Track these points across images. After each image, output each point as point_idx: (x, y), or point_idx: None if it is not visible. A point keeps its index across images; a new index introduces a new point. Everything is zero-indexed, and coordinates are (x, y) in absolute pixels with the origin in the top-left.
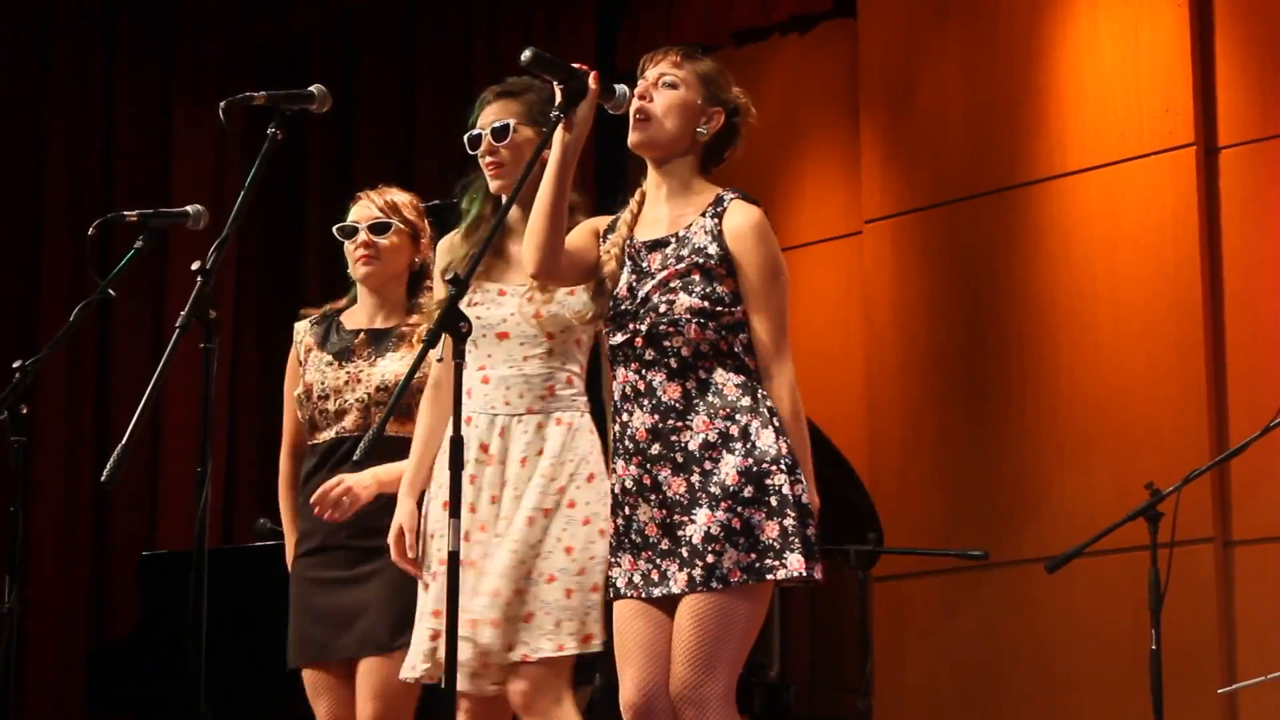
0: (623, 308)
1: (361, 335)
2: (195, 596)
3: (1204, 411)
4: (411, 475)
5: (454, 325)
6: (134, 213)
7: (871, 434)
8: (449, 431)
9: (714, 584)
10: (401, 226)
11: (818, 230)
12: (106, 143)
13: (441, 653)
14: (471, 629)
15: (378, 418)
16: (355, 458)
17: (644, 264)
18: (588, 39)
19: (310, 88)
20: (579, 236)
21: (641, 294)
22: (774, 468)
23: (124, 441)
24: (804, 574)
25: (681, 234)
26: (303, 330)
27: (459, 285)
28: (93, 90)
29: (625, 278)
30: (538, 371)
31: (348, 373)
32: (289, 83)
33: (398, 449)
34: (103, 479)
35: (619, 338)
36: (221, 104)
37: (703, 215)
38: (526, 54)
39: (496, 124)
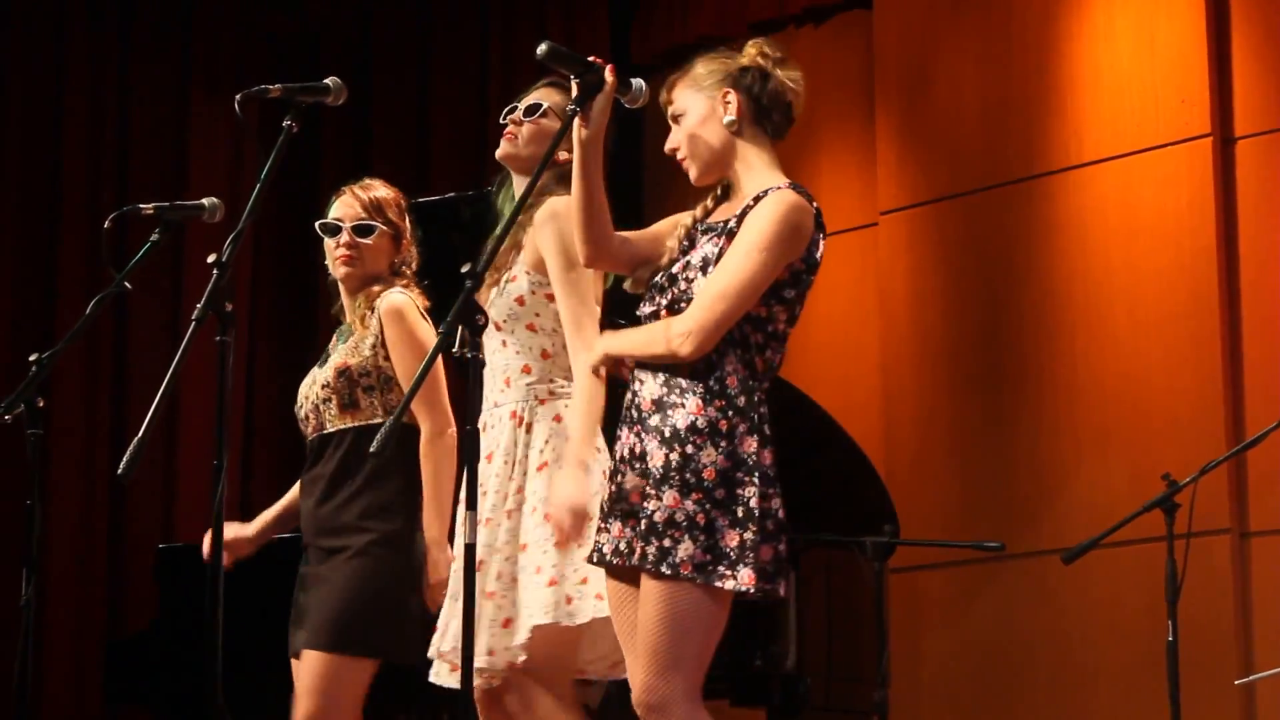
0: (655, 279)
1: (334, 337)
2: (212, 589)
3: (1220, 402)
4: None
5: (470, 318)
6: (150, 206)
7: (887, 425)
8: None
9: (664, 569)
10: (385, 228)
11: (833, 222)
12: (123, 136)
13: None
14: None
15: (326, 414)
16: (373, 450)
17: (693, 244)
18: (602, 32)
19: (325, 80)
20: (661, 224)
21: (673, 270)
22: (748, 478)
23: (140, 434)
24: (750, 590)
25: (733, 220)
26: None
27: (474, 278)
28: (109, 84)
29: (675, 255)
30: (496, 364)
31: (312, 377)
32: (304, 76)
33: (342, 442)
34: (119, 472)
35: (647, 308)
36: (237, 97)
37: (753, 201)
38: (542, 48)
39: (531, 102)
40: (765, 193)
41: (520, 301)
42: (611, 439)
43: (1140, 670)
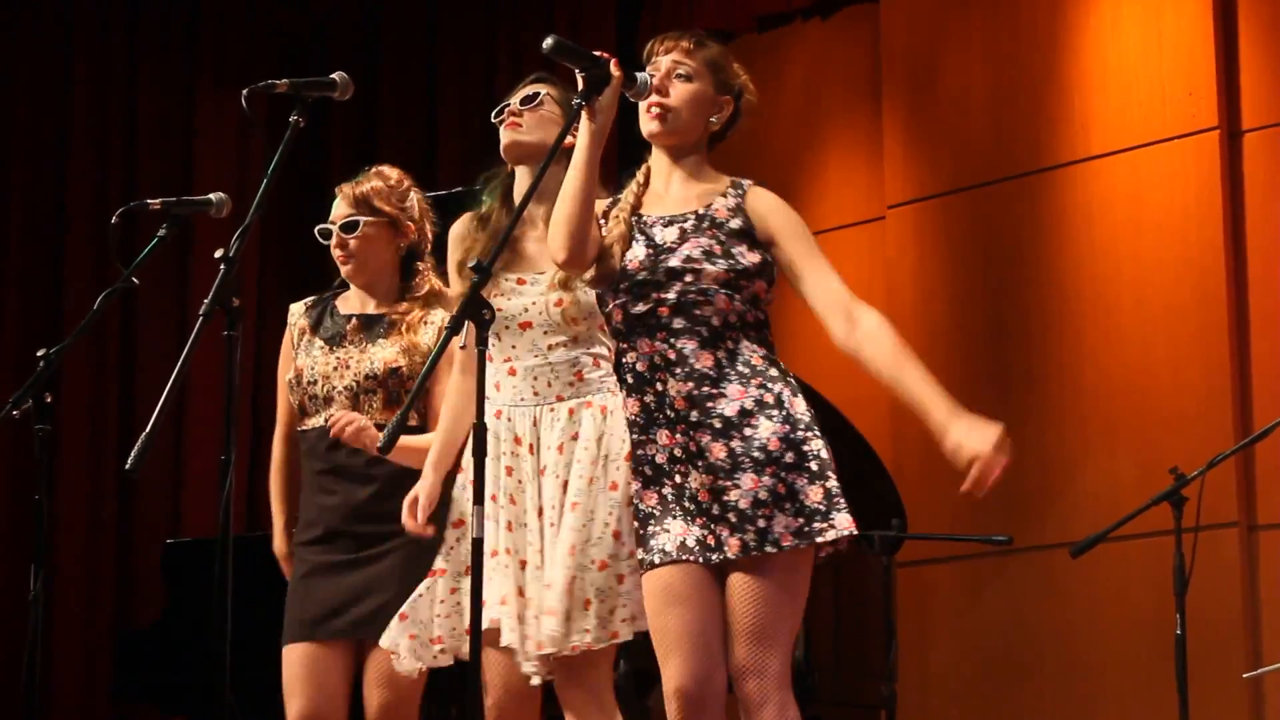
0: (641, 278)
1: (354, 321)
2: (220, 584)
3: (1228, 395)
4: (437, 452)
5: (477, 312)
6: (157, 201)
7: (894, 419)
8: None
9: (767, 547)
10: (371, 219)
11: (840, 216)
12: (129, 131)
13: (504, 638)
14: (534, 618)
15: (365, 405)
16: (379, 447)
17: (658, 238)
18: (609, 26)
19: (332, 75)
20: None
21: (667, 265)
22: (809, 433)
23: (148, 429)
24: (853, 531)
25: (702, 211)
26: (297, 313)
27: (482, 272)
28: (115, 78)
29: (638, 250)
30: (564, 359)
31: (338, 358)
32: (311, 70)
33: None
34: (127, 467)
35: (641, 307)
36: (244, 92)
37: (723, 195)
38: (548, 41)
39: (526, 93)
40: (739, 185)
41: (584, 316)
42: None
43: (1148, 663)
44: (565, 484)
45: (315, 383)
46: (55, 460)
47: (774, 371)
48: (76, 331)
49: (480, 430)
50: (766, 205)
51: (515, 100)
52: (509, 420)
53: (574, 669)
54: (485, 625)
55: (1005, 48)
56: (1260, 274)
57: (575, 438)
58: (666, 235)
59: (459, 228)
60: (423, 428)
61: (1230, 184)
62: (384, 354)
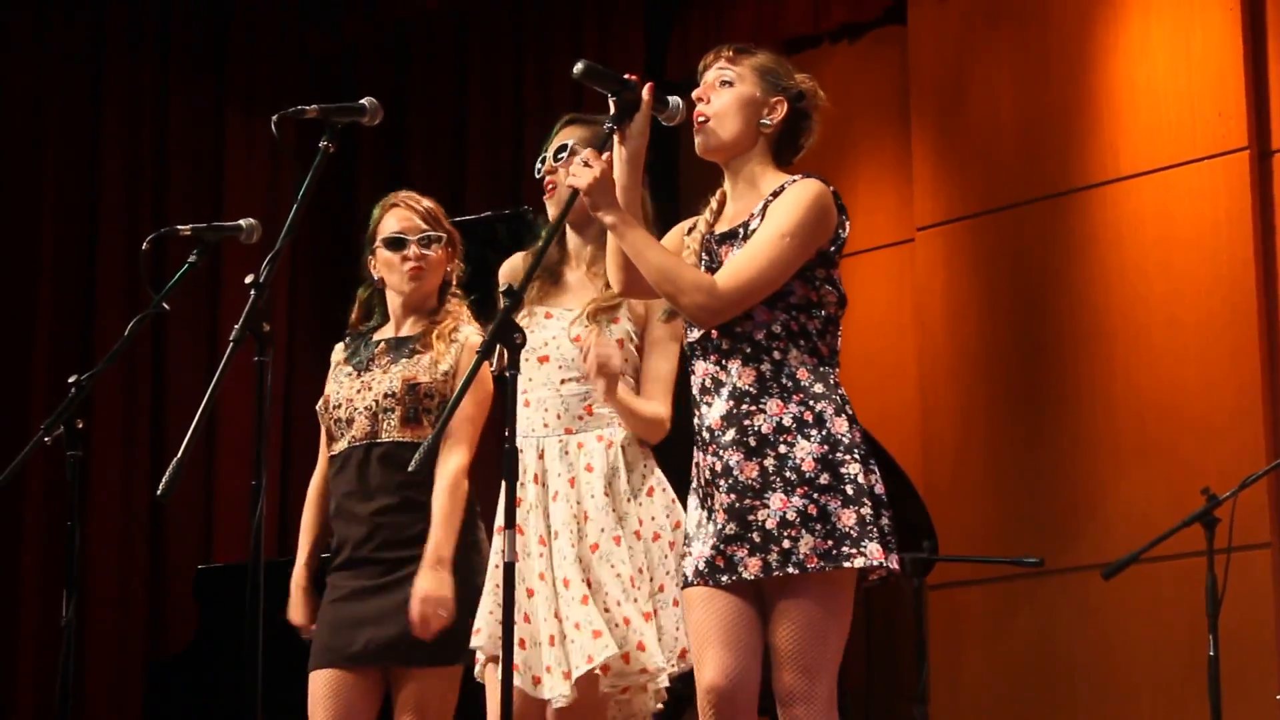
0: None
1: (382, 345)
2: (251, 610)
3: (1260, 415)
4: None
5: (509, 336)
6: (188, 227)
7: (925, 441)
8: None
9: (790, 569)
10: (445, 235)
11: (870, 238)
12: (160, 157)
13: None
14: (550, 644)
15: (384, 423)
16: (410, 469)
17: (717, 258)
18: (637, 50)
19: (361, 101)
20: (669, 242)
21: None
22: (848, 456)
23: (179, 455)
24: (883, 563)
25: (749, 224)
26: (338, 350)
27: (513, 297)
28: (146, 105)
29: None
30: (575, 392)
31: (362, 382)
32: (341, 96)
33: (403, 454)
34: (159, 493)
35: (696, 332)
36: (274, 118)
37: (771, 197)
38: (579, 66)
39: (558, 145)
40: (784, 186)
41: (620, 344)
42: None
43: (1181, 685)
44: (586, 515)
45: (339, 406)
46: (87, 486)
47: (819, 387)
48: (108, 358)
49: (511, 454)
50: (782, 198)
51: (549, 154)
52: (521, 451)
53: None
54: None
55: (1034, 69)
56: None
57: (590, 469)
58: (723, 254)
59: (509, 265)
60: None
61: (1260, 204)
62: (404, 371)
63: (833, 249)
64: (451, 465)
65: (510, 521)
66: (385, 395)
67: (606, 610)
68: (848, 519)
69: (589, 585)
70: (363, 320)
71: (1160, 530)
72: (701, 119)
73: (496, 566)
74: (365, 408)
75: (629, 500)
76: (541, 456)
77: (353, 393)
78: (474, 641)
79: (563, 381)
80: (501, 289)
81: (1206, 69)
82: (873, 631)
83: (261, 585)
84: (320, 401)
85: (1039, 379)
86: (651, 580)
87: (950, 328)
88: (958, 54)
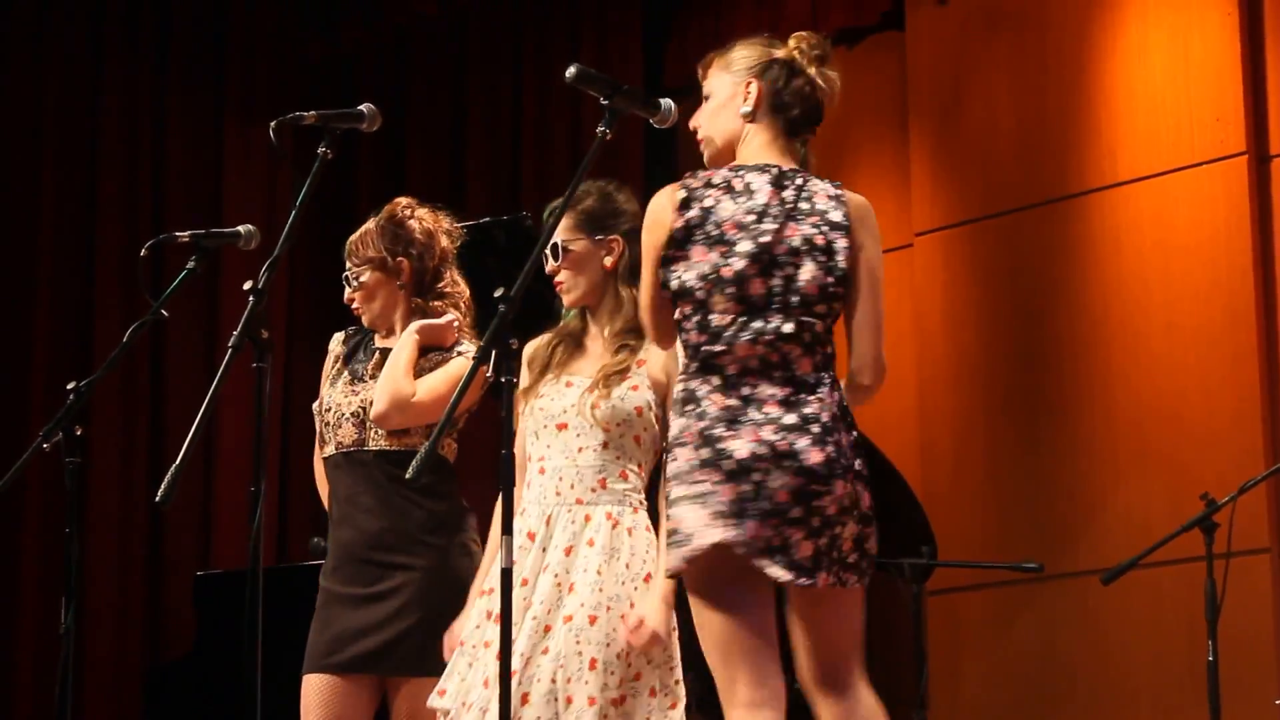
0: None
1: (377, 355)
2: (250, 616)
3: (1259, 421)
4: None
5: (503, 343)
6: (186, 233)
7: (923, 446)
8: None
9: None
10: (361, 267)
11: None
12: (158, 164)
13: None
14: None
15: (372, 431)
16: (408, 476)
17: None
18: (635, 55)
19: (360, 107)
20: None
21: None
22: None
23: (178, 461)
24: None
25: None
26: (337, 342)
27: (509, 302)
28: (144, 111)
29: None
30: (591, 463)
31: (353, 389)
32: (339, 103)
33: (390, 462)
34: (157, 499)
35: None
36: (272, 124)
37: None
38: (571, 71)
39: (552, 244)
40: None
41: (639, 412)
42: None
43: (1180, 690)
44: (571, 586)
45: (330, 410)
46: (85, 493)
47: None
48: (107, 364)
49: (508, 461)
50: (869, 227)
51: (548, 255)
52: (529, 516)
53: None
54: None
55: (1032, 74)
56: None
57: (591, 544)
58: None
59: (531, 349)
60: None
61: (1259, 209)
62: None
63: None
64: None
65: (508, 528)
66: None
67: (553, 681)
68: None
69: (544, 653)
70: None
71: (1159, 535)
72: (699, 138)
73: (485, 642)
74: (352, 414)
75: (623, 584)
76: (548, 523)
77: (342, 398)
78: (437, 702)
79: (579, 450)
80: (496, 295)
81: (1205, 74)
82: (872, 637)
83: (260, 592)
84: (316, 402)
85: (1037, 384)
86: (629, 666)
87: (948, 333)
88: (956, 59)
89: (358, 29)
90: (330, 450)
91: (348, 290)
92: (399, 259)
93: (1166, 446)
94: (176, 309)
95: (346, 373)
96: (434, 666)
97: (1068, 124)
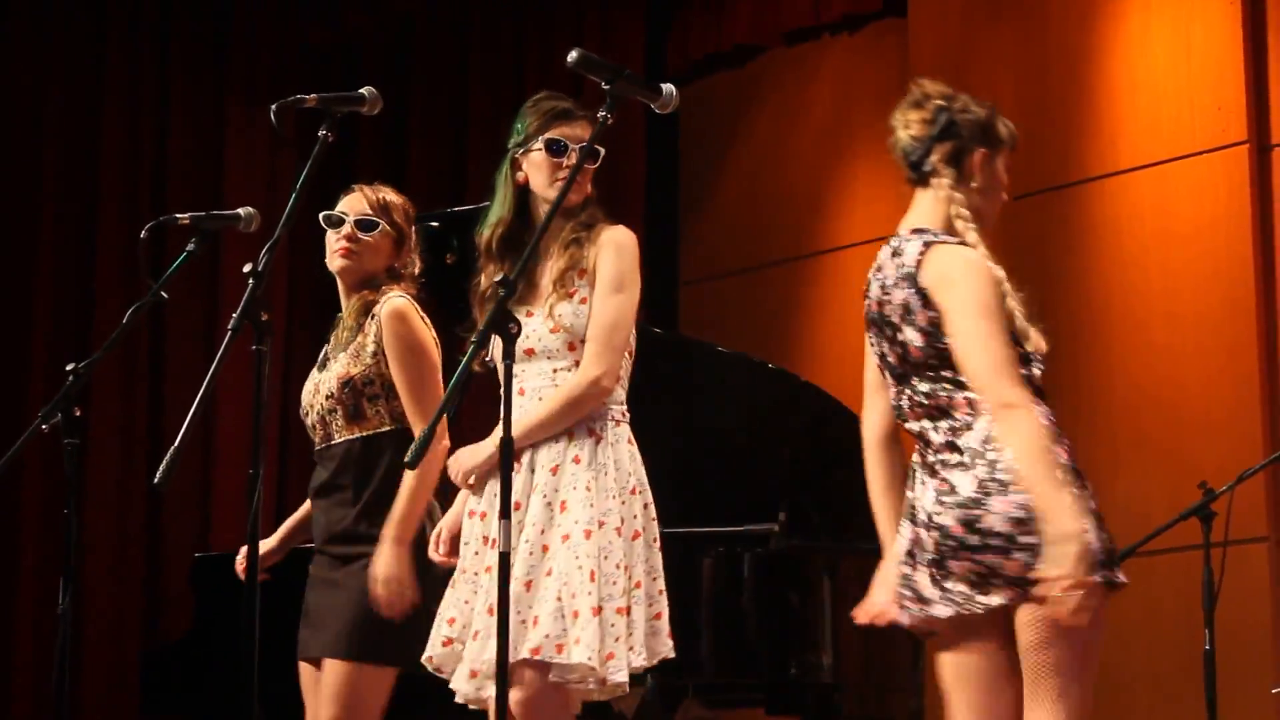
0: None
1: (331, 340)
2: (248, 598)
3: (1257, 409)
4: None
5: (503, 326)
6: (186, 215)
7: None
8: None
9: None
10: (388, 228)
11: (870, 230)
12: (160, 145)
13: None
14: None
15: (334, 424)
16: (407, 460)
17: None
18: (638, 41)
19: (361, 90)
20: None
21: None
22: None
23: (176, 443)
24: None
25: None
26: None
27: (508, 287)
28: (147, 94)
29: None
30: (562, 383)
31: (314, 384)
32: (341, 87)
33: (353, 451)
34: (155, 481)
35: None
36: (273, 107)
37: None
38: (573, 55)
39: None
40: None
41: (577, 338)
42: None
43: (1177, 678)
44: (564, 504)
45: (306, 413)
46: (84, 474)
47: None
48: (106, 346)
49: (507, 444)
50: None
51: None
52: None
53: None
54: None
55: (1034, 62)
56: None
57: (577, 461)
58: None
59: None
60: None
61: (1259, 198)
62: (337, 369)
63: None
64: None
65: (506, 512)
66: (327, 398)
67: (559, 599)
68: None
69: (548, 574)
70: None
71: (1158, 523)
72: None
73: (487, 568)
74: (317, 413)
75: (612, 498)
76: (533, 446)
77: (310, 397)
78: (446, 630)
79: (555, 371)
80: (495, 279)
81: (1206, 63)
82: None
83: (258, 574)
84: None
85: None
86: (629, 577)
87: None
88: (958, 46)
89: (361, 13)
90: (317, 445)
91: (351, 228)
92: (408, 246)
93: (1165, 435)
94: (176, 291)
95: (315, 369)
96: (374, 654)
97: (1069, 112)
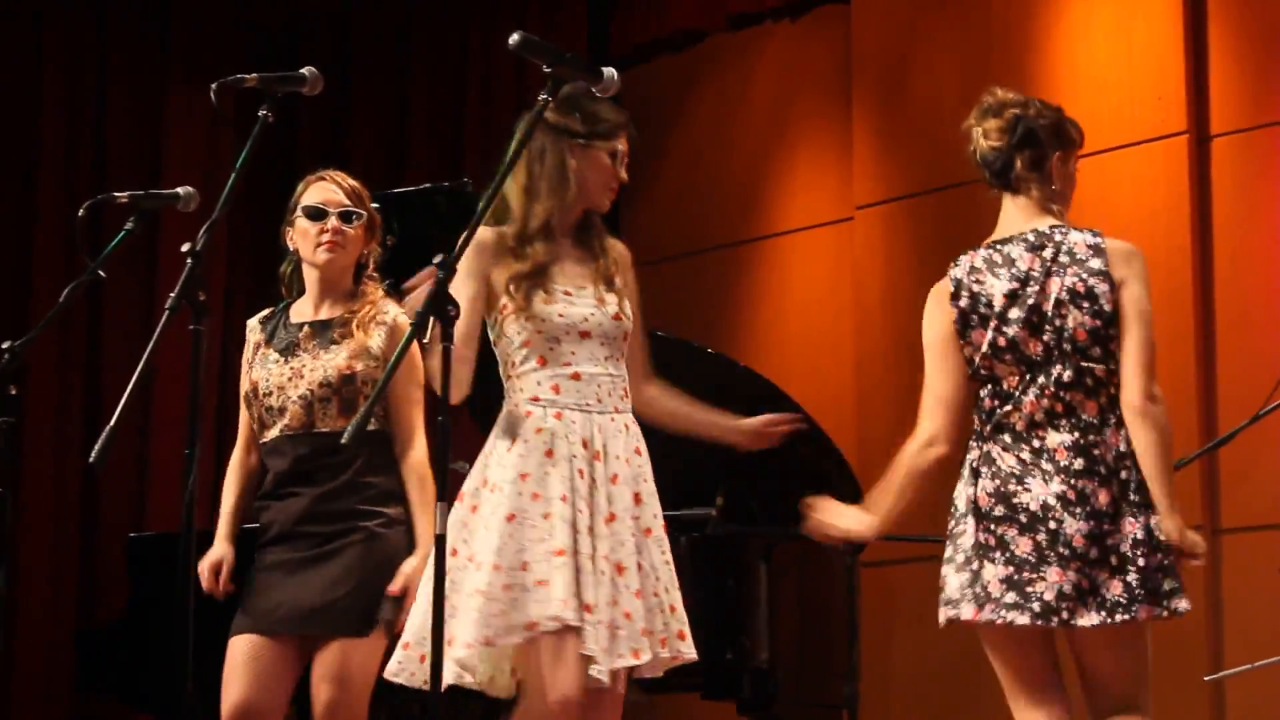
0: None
1: (306, 329)
2: (183, 578)
3: (1193, 399)
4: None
5: (442, 309)
6: (125, 194)
7: (861, 420)
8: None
9: (1147, 586)
10: (366, 215)
11: (810, 216)
12: (99, 123)
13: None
14: (626, 620)
15: (321, 413)
16: (344, 440)
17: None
18: (581, 23)
19: (301, 70)
20: None
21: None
22: None
23: (112, 423)
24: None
25: None
26: (254, 327)
27: (446, 269)
28: (87, 71)
29: None
30: (618, 372)
31: (292, 369)
32: (284, 65)
33: (373, 440)
34: (91, 460)
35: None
36: (213, 86)
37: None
38: (515, 38)
39: None
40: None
41: (628, 334)
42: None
43: None
44: (638, 496)
45: (270, 394)
46: (19, 453)
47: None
48: (42, 324)
49: (445, 429)
50: None
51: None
52: (573, 423)
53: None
54: (553, 625)
55: (976, 50)
56: (1227, 277)
57: (638, 452)
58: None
59: (486, 235)
60: (383, 429)
61: (1198, 188)
62: (337, 360)
63: None
64: (415, 458)
65: (442, 494)
66: (321, 385)
67: (656, 595)
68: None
69: (640, 570)
70: (288, 290)
71: None
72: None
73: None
74: (300, 397)
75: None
76: (601, 431)
77: (284, 380)
78: (563, 612)
79: (605, 358)
80: (435, 261)
81: (1147, 54)
82: (805, 608)
83: (193, 554)
84: (248, 387)
85: None
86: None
87: (888, 307)
88: (900, 33)
89: None
90: (275, 433)
91: (335, 221)
92: (374, 242)
93: None
94: (114, 270)
95: (274, 353)
96: (368, 628)
97: None
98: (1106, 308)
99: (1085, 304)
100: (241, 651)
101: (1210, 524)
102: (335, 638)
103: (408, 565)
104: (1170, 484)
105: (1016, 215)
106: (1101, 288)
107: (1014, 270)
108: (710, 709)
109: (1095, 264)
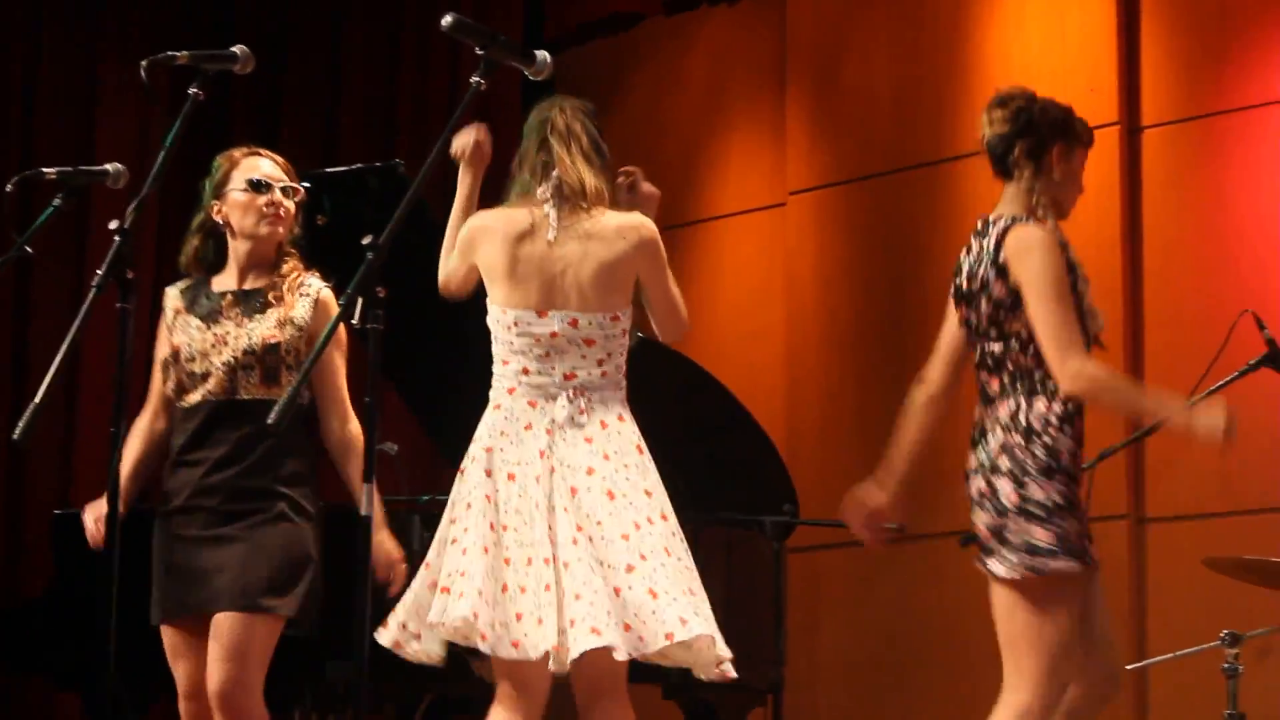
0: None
1: (229, 297)
2: (106, 557)
3: None
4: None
5: (370, 290)
6: (53, 170)
7: (791, 406)
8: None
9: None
10: (294, 189)
11: (742, 201)
12: (30, 99)
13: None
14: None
15: (244, 381)
16: (271, 421)
17: None
18: (517, 6)
19: (233, 48)
20: None
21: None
22: None
23: (37, 400)
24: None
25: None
26: (173, 295)
27: (375, 250)
28: (17, 46)
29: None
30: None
31: (215, 335)
32: (218, 43)
33: (260, 412)
34: (15, 436)
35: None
36: (143, 63)
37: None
38: (448, 19)
39: None
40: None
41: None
42: None
43: None
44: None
45: (193, 359)
46: None
47: None
48: None
49: (370, 410)
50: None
51: None
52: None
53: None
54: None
55: (909, 40)
56: (1156, 268)
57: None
58: None
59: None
60: (312, 405)
61: (1129, 179)
62: (261, 329)
63: None
64: (354, 430)
65: (369, 475)
66: (245, 353)
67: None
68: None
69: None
70: (196, 266)
71: None
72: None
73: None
74: (223, 364)
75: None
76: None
77: (207, 347)
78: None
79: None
80: (364, 242)
81: (1080, 44)
82: (732, 593)
83: (117, 532)
84: (167, 351)
85: (906, 346)
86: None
87: (820, 293)
88: (835, 21)
89: None
90: (196, 398)
91: (276, 194)
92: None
93: None
94: (42, 246)
95: (196, 319)
96: (270, 606)
97: (943, 89)
98: (996, 294)
99: (990, 291)
100: (178, 639)
101: (1135, 513)
102: (238, 613)
103: (387, 543)
104: (1148, 403)
105: (1003, 201)
106: (991, 275)
107: (970, 255)
108: (635, 691)
109: (996, 253)
